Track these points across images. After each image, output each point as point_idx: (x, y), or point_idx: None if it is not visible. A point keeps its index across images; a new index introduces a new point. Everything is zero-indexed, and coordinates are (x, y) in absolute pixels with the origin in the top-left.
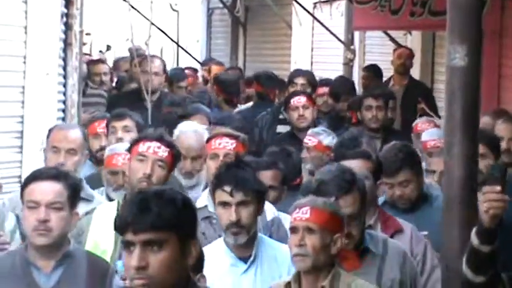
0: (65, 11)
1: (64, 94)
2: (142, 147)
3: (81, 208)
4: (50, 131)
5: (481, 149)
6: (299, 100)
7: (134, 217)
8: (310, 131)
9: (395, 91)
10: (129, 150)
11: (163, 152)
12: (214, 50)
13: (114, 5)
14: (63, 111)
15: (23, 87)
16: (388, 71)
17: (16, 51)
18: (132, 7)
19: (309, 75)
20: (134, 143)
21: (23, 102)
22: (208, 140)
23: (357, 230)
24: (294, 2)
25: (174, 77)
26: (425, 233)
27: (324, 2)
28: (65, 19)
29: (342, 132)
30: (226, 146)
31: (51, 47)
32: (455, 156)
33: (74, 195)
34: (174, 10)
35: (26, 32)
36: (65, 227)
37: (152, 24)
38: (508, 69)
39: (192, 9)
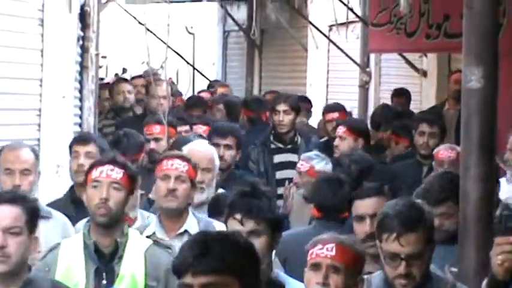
0: (81, 34)
1: (80, 117)
2: (95, 173)
3: (41, 225)
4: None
5: None
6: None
7: (195, 259)
8: (303, 156)
9: (450, 116)
10: (85, 181)
11: (117, 173)
12: (230, 73)
13: (130, 28)
14: None
15: (40, 110)
16: None
17: (32, 74)
18: (148, 30)
19: (290, 100)
20: (88, 171)
21: (39, 125)
22: (160, 161)
23: (417, 270)
24: (309, 25)
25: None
26: (455, 269)
27: (339, 24)
28: (81, 42)
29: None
30: (178, 167)
31: (67, 70)
32: (472, 178)
33: (33, 218)
34: (189, 33)
35: (42, 55)
36: (24, 252)
37: (168, 47)
38: None
39: (207, 32)
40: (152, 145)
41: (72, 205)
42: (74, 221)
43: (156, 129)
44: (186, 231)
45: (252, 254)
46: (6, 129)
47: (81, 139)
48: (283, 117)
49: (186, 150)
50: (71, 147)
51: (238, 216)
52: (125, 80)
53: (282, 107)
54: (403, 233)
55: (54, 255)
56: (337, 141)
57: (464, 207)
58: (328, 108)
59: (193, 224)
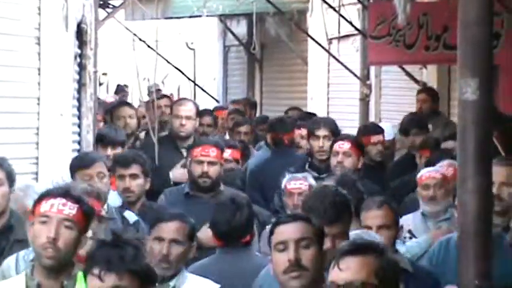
0: (79, 51)
1: (79, 134)
2: (44, 206)
3: None
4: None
5: None
6: (341, 145)
7: None
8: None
9: None
10: (32, 212)
11: (70, 209)
12: (231, 88)
13: (131, 44)
14: (78, 151)
15: (38, 128)
16: (404, 106)
17: (30, 93)
18: (149, 46)
19: (330, 124)
20: (36, 202)
21: (37, 143)
22: None
23: None
24: (309, 38)
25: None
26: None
27: (339, 37)
28: (78, 60)
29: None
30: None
31: (65, 88)
32: (469, 190)
33: None
34: (190, 49)
35: (39, 74)
36: None
37: (168, 62)
38: None
39: (208, 47)
40: (205, 168)
41: None
42: None
43: (213, 152)
44: None
45: None
46: (4, 148)
47: (123, 161)
48: (323, 142)
49: None
50: (109, 170)
51: (96, 270)
52: (126, 104)
53: (322, 132)
54: None
55: None
56: (341, 157)
57: (463, 219)
58: (373, 131)
59: None
